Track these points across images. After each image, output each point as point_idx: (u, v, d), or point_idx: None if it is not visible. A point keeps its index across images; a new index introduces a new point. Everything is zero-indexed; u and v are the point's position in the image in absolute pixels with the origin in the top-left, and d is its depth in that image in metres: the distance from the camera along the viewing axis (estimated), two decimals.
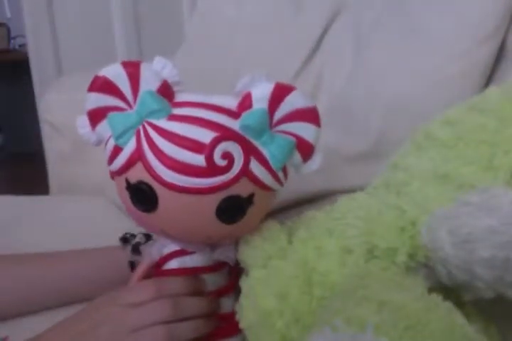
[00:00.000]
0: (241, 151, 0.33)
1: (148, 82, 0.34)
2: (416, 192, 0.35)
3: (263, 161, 0.35)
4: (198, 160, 0.32)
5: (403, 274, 0.33)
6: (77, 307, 0.40)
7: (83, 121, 0.37)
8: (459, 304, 0.31)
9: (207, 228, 0.36)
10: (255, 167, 0.34)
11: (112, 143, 0.36)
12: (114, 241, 0.48)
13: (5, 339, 0.41)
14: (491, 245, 0.28)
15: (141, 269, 0.41)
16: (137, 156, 0.34)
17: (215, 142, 0.33)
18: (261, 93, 0.34)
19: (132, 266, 0.45)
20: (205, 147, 0.32)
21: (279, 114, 0.35)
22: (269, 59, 0.85)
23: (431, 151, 0.37)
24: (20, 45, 2.62)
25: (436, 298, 0.30)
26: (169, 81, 0.35)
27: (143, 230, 0.46)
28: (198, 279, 0.40)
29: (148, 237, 0.48)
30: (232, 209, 0.35)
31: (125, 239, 0.47)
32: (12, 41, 2.71)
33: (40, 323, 0.43)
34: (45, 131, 0.99)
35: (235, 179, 0.33)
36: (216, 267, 0.41)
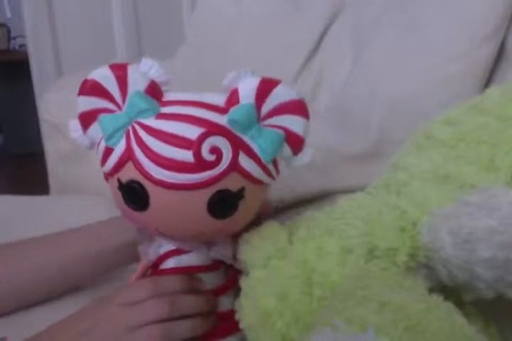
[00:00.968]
0: (229, 146, 0.34)
1: (136, 83, 0.35)
2: (416, 192, 0.35)
3: (252, 155, 0.35)
4: (187, 156, 0.33)
5: (403, 274, 0.33)
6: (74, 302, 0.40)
7: (75, 125, 0.38)
8: (459, 304, 0.31)
9: (199, 224, 0.36)
10: (244, 161, 0.34)
11: (103, 144, 0.36)
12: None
13: (3, 339, 0.41)
14: (491, 245, 0.28)
15: (139, 270, 0.41)
16: (127, 156, 0.34)
17: (203, 137, 0.33)
18: (247, 88, 0.35)
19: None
20: (193, 143, 0.33)
21: (266, 107, 0.35)
22: (269, 59, 0.85)
23: (431, 151, 0.37)
24: (20, 46, 2.62)
25: (437, 299, 0.30)
26: (156, 81, 0.35)
27: None
28: (195, 278, 0.40)
29: None
30: (223, 204, 0.35)
31: None
32: (12, 41, 2.71)
33: (39, 322, 0.43)
34: (45, 131, 0.99)
35: (224, 173, 0.34)
36: (213, 266, 0.41)
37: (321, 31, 0.83)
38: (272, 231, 0.39)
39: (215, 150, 0.33)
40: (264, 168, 0.36)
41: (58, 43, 1.65)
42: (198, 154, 0.33)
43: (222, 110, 0.35)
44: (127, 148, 0.34)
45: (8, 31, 2.69)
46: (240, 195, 0.35)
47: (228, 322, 0.39)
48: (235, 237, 0.41)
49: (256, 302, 0.35)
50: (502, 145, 0.33)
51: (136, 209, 0.36)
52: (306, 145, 0.38)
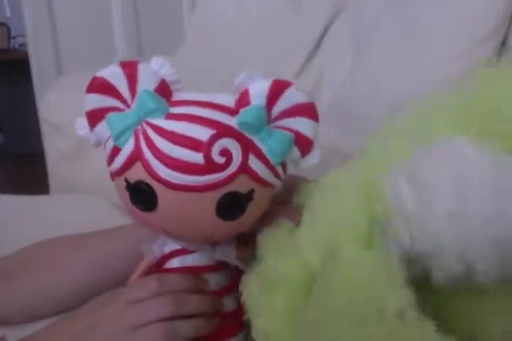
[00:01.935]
0: (239, 148, 0.33)
1: (146, 82, 0.34)
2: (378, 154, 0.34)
3: (262, 157, 0.35)
4: (196, 157, 0.32)
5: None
6: None
7: (82, 123, 0.37)
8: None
9: (207, 225, 0.36)
10: (254, 163, 0.34)
11: (110, 143, 0.35)
12: None
13: (3, 338, 0.41)
14: (451, 195, 0.27)
15: (141, 268, 0.41)
16: (136, 156, 0.34)
17: (213, 139, 0.33)
18: (258, 89, 0.34)
19: None
20: (203, 144, 0.32)
21: (276, 109, 0.35)
22: (269, 59, 0.85)
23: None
24: (20, 45, 2.62)
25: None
26: (167, 80, 0.35)
27: None
28: (199, 278, 0.40)
29: None
30: (232, 206, 0.35)
31: None
32: (12, 41, 2.72)
33: (38, 322, 0.43)
34: (45, 131, 0.99)
35: (234, 175, 0.33)
36: (217, 267, 0.41)
37: (321, 31, 0.83)
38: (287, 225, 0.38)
39: (225, 153, 0.33)
40: (273, 170, 0.36)
41: (58, 43, 1.65)
42: (208, 156, 0.32)
43: (232, 111, 0.34)
44: (136, 148, 0.34)
45: (8, 30, 2.69)
46: (249, 197, 0.35)
47: (231, 324, 0.39)
48: (240, 239, 0.41)
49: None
50: (476, 107, 0.30)
51: (143, 210, 0.36)
52: (315, 147, 0.38)
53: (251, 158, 0.34)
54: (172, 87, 0.35)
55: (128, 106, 0.35)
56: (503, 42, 0.59)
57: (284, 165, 0.37)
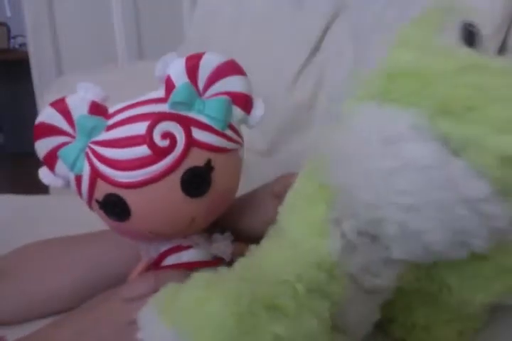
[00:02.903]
0: (178, 126, 0.35)
1: (79, 110, 0.36)
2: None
3: (205, 127, 0.36)
4: (143, 150, 0.34)
5: None
6: None
7: (44, 171, 0.39)
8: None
9: (184, 209, 0.37)
10: (199, 135, 0.35)
11: (72, 175, 0.37)
12: None
13: (2, 338, 0.41)
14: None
15: (140, 266, 0.41)
16: (94, 174, 0.36)
17: (150, 128, 0.34)
18: (176, 70, 0.36)
19: None
20: (143, 136, 0.34)
21: (201, 80, 0.37)
22: (270, 59, 0.85)
23: None
24: (20, 45, 2.62)
25: None
26: (97, 100, 0.37)
27: None
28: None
29: None
30: (196, 181, 0.36)
31: None
32: (12, 40, 2.72)
33: (38, 321, 0.43)
34: None
35: (184, 153, 0.35)
36: (214, 262, 0.42)
37: (321, 31, 0.83)
38: None
39: (167, 135, 0.34)
40: (222, 135, 0.37)
41: (58, 42, 1.65)
42: (152, 144, 0.34)
43: (163, 100, 0.36)
44: (92, 167, 0.36)
45: (8, 30, 2.69)
46: (208, 167, 0.36)
47: None
48: (237, 235, 0.41)
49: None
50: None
51: (122, 220, 0.37)
52: (255, 99, 0.39)
53: (194, 131, 0.35)
54: (105, 104, 0.37)
55: (73, 137, 0.37)
56: (503, 42, 0.59)
57: (232, 128, 0.38)
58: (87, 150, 0.36)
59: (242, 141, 0.40)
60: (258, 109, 0.39)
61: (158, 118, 0.35)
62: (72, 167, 0.37)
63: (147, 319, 0.29)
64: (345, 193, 0.28)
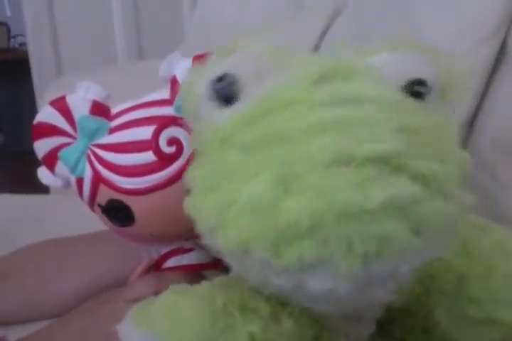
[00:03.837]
0: (185, 132, 0.34)
1: (80, 110, 0.35)
2: None
3: None
4: (148, 157, 0.33)
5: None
6: None
7: (44, 172, 0.38)
8: None
9: (187, 216, 0.36)
10: None
11: (73, 177, 0.36)
12: None
13: (3, 338, 0.41)
14: None
15: (140, 268, 0.41)
16: (97, 178, 0.35)
17: (156, 134, 0.33)
18: (183, 71, 0.34)
19: None
20: (149, 142, 0.33)
21: None
22: None
23: None
24: (20, 44, 2.62)
25: None
26: (98, 99, 0.36)
27: None
28: (197, 275, 0.40)
29: None
30: None
31: None
32: (12, 40, 2.71)
33: (39, 321, 0.43)
34: None
35: (190, 159, 0.33)
36: (215, 264, 0.42)
37: (322, 30, 0.83)
38: None
39: (173, 141, 0.33)
40: None
41: (58, 42, 1.65)
42: (158, 151, 0.33)
43: (169, 102, 0.35)
44: (93, 171, 0.35)
45: (8, 30, 2.69)
46: None
47: None
48: None
49: None
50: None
51: (125, 225, 0.36)
52: None
53: None
54: (107, 103, 0.36)
55: (74, 138, 0.36)
56: (503, 42, 0.59)
57: None
58: (89, 152, 0.35)
59: None
60: None
61: (164, 123, 0.34)
62: (73, 169, 0.36)
63: (125, 330, 0.28)
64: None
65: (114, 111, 0.36)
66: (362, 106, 0.22)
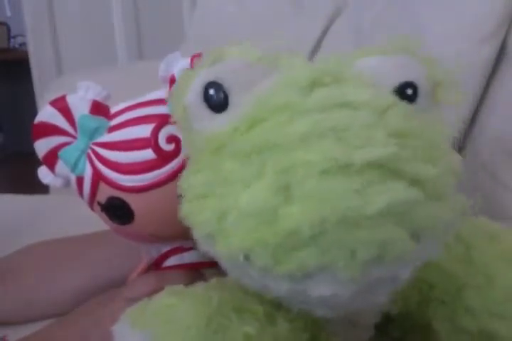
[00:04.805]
0: None
1: (79, 109, 0.36)
2: None
3: None
4: (148, 154, 0.34)
5: None
6: None
7: (44, 171, 0.39)
8: None
9: None
10: None
11: (73, 176, 0.37)
12: None
13: (3, 338, 0.41)
14: None
15: (140, 267, 0.41)
16: (97, 177, 0.35)
17: (155, 132, 0.34)
18: (182, 70, 0.35)
19: None
20: (148, 140, 0.34)
21: None
22: None
23: None
24: (20, 44, 2.62)
25: None
26: (98, 99, 0.36)
27: None
28: (198, 274, 0.40)
29: None
30: None
31: None
32: (12, 40, 2.72)
33: (39, 321, 0.43)
34: None
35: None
36: (216, 263, 0.42)
37: (322, 30, 0.83)
38: None
39: (171, 139, 0.34)
40: None
41: (58, 42, 1.65)
42: (157, 148, 0.33)
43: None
44: (94, 169, 0.35)
45: (8, 30, 2.69)
46: None
47: None
48: None
49: None
50: None
51: (124, 223, 0.36)
52: None
53: None
54: (107, 103, 0.36)
55: (74, 137, 0.36)
56: (503, 42, 0.59)
57: None
58: (89, 151, 0.35)
59: None
60: None
61: (162, 121, 0.34)
62: (73, 168, 0.36)
63: (121, 332, 0.28)
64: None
65: (113, 110, 0.37)
66: (356, 111, 0.22)
